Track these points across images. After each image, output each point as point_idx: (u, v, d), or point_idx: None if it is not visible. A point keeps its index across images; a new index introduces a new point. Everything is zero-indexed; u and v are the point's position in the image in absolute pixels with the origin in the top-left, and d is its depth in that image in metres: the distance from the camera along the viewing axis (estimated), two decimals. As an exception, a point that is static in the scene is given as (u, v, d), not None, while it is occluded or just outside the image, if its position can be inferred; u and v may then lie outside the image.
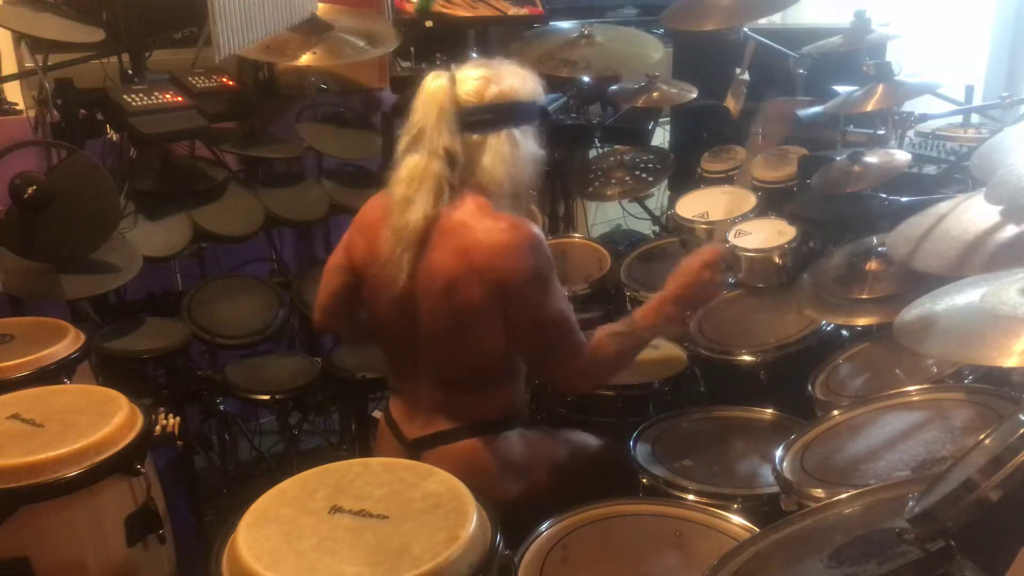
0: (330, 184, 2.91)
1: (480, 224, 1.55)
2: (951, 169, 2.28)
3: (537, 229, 1.58)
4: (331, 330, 1.88)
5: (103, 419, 1.57)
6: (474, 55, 1.67)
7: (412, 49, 3.01)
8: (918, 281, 1.69)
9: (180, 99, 2.56)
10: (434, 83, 1.58)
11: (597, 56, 2.83)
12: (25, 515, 1.45)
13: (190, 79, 2.65)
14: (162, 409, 1.90)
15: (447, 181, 1.56)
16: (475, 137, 1.58)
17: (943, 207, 1.70)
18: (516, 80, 1.62)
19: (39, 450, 1.47)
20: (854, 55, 2.52)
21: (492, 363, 1.65)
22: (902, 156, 2.17)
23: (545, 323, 1.58)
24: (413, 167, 1.57)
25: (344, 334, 1.99)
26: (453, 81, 1.58)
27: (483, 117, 1.58)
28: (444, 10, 2.95)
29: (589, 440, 1.89)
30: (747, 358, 2.07)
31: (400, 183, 1.58)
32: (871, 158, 2.16)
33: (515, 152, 1.60)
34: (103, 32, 2.49)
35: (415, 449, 1.67)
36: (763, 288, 2.25)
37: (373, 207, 1.69)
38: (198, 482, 2.59)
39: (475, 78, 1.59)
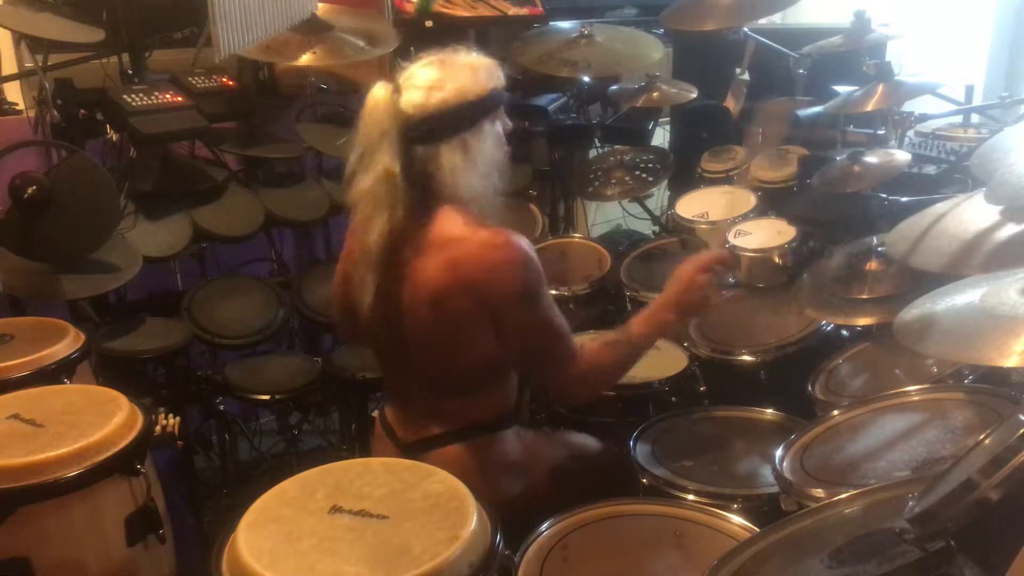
0: (330, 184, 2.91)
1: (472, 238, 1.51)
2: (951, 169, 2.28)
3: (526, 242, 1.52)
4: (351, 339, 1.88)
5: (103, 419, 1.57)
6: (441, 53, 1.60)
7: (412, 49, 2.99)
8: (918, 281, 1.69)
9: (180, 99, 2.56)
10: (375, 96, 1.51)
11: (597, 56, 2.83)
12: (25, 515, 1.44)
13: (190, 79, 2.65)
14: (162, 409, 1.90)
15: (400, 200, 1.51)
16: (425, 149, 1.51)
17: (942, 206, 1.70)
18: (463, 78, 1.53)
19: (39, 450, 1.47)
20: (854, 55, 2.52)
21: (483, 367, 1.63)
22: (902, 156, 2.17)
23: (535, 337, 1.56)
24: (366, 189, 1.52)
25: (364, 342, 1.99)
26: (398, 91, 1.50)
27: (427, 128, 1.50)
28: (444, 10, 2.95)
29: (588, 441, 1.89)
30: (747, 358, 2.07)
31: (359, 202, 1.54)
32: (871, 158, 2.16)
33: (470, 157, 1.54)
34: (103, 32, 2.49)
35: (410, 453, 1.66)
36: (763, 288, 2.25)
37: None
38: (198, 482, 2.59)
39: (418, 87, 1.50)
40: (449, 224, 1.54)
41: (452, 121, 1.51)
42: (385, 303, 1.57)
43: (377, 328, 1.64)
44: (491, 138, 1.58)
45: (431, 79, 1.51)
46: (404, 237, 1.54)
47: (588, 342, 1.64)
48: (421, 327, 1.57)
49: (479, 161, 1.55)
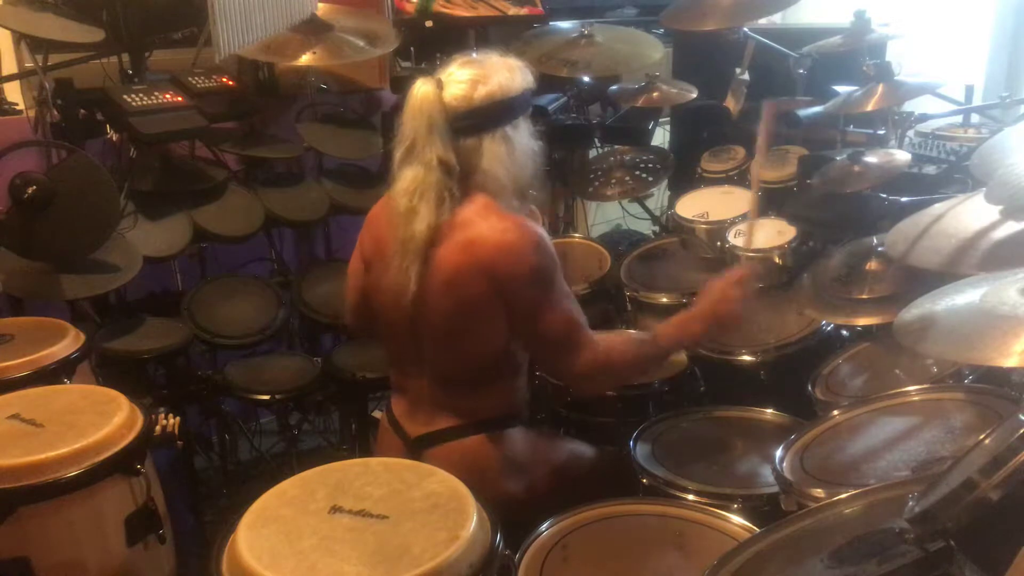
0: (330, 184, 2.91)
1: (485, 222, 1.56)
2: (951, 169, 2.28)
3: (541, 229, 1.58)
4: (364, 331, 1.90)
5: (103, 419, 1.58)
6: (474, 55, 1.65)
7: (412, 49, 3.01)
8: (918, 281, 1.69)
9: (180, 99, 2.56)
10: (421, 91, 1.56)
11: (597, 56, 2.83)
12: (25, 515, 1.45)
13: (190, 79, 2.65)
14: (162, 409, 1.90)
15: (447, 189, 1.56)
16: (469, 141, 1.57)
17: (941, 206, 1.70)
18: (503, 75, 1.60)
19: (39, 450, 1.47)
20: (854, 55, 2.51)
21: (494, 360, 1.65)
22: (902, 156, 2.17)
23: (549, 322, 1.58)
24: (412, 180, 1.56)
25: (376, 333, 2.01)
26: (440, 86, 1.56)
27: (473, 121, 1.56)
28: (444, 10, 2.95)
29: (589, 448, 1.90)
30: (747, 358, 2.07)
31: (401, 195, 1.58)
32: (871, 158, 2.16)
33: (511, 150, 1.61)
34: (103, 32, 2.49)
35: (417, 447, 1.68)
36: (763, 288, 2.25)
37: (381, 205, 1.70)
38: (198, 482, 2.59)
39: (462, 81, 1.57)
40: (469, 210, 1.57)
41: (495, 115, 1.58)
42: (404, 290, 1.59)
43: (393, 316, 1.66)
44: (527, 136, 1.66)
45: (474, 75, 1.57)
46: (437, 232, 1.57)
47: (608, 337, 1.65)
48: (436, 312, 1.59)
49: (516, 152, 1.62)
